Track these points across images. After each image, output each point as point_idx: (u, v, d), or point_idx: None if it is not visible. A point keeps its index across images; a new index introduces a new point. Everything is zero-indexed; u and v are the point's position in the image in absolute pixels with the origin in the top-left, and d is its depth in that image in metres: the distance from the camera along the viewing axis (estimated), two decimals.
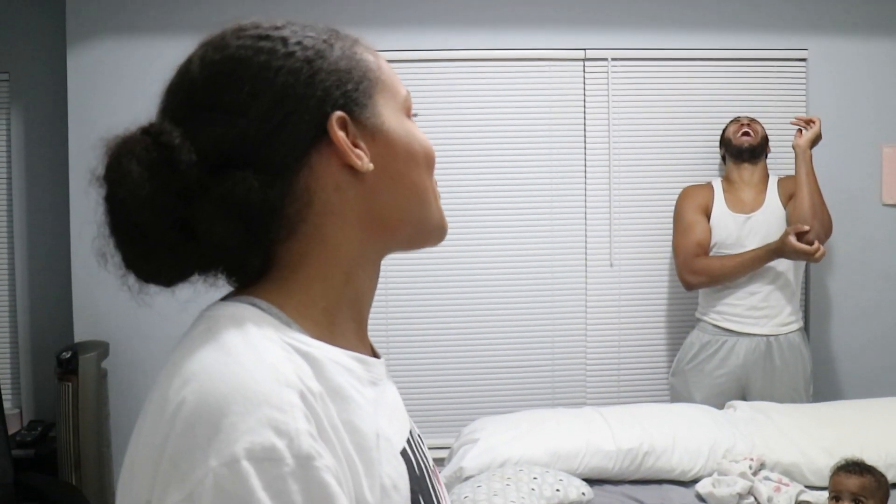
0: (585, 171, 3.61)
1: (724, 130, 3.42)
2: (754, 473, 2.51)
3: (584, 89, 3.61)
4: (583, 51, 3.60)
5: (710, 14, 3.60)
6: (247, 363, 0.64)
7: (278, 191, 0.72)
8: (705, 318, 3.27)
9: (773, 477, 2.51)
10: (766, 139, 3.34)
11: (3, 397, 3.04)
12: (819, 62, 3.64)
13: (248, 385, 0.61)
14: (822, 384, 3.68)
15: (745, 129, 3.30)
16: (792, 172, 3.27)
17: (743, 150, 3.28)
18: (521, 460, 2.54)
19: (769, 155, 3.41)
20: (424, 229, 0.83)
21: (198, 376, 0.63)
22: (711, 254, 3.24)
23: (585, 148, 3.61)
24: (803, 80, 3.66)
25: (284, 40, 0.75)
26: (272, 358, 0.65)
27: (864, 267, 3.69)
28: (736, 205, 3.28)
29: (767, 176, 3.36)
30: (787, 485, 2.47)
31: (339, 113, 0.74)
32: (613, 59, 3.60)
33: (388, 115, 0.78)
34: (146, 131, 0.71)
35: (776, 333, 3.17)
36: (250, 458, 0.58)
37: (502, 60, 3.59)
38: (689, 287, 3.28)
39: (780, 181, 3.33)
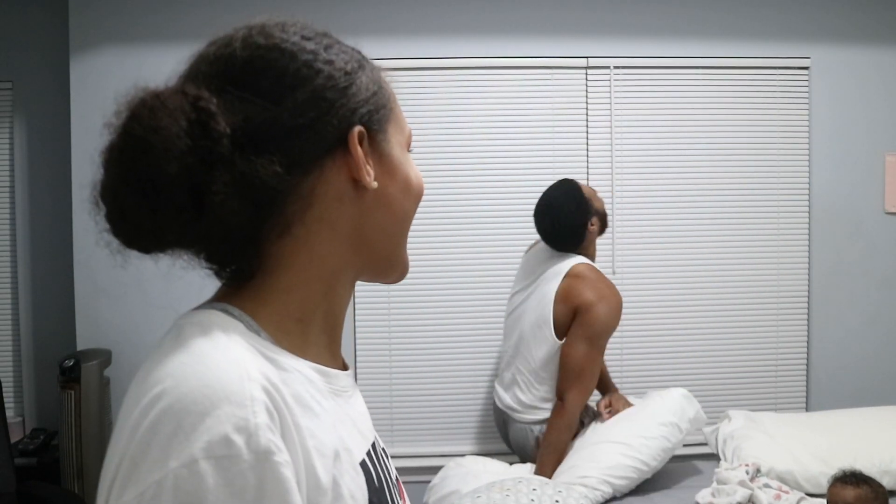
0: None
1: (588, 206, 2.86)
2: (751, 479, 2.50)
3: (587, 97, 3.62)
4: (585, 59, 3.60)
5: (713, 23, 3.60)
6: (209, 362, 0.64)
7: (287, 185, 0.73)
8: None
9: (774, 485, 2.50)
10: None
11: (6, 406, 3.04)
12: (821, 70, 3.64)
13: (209, 384, 0.62)
14: (824, 393, 3.67)
15: None
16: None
17: None
18: None
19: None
20: (395, 261, 0.86)
21: (163, 380, 0.63)
22: None
23: (588, 155, 3.62)
24: (806, 89, 3.65)
25: (328, 47, 0.79)
26: (236, 355, 0.66)
27: (866, 275, 3.69)
28: None
29: None
30: (786, 492, 2.46)
31: (360, 127, 0.78)
32: (616, 68, 3.61)
33: (395, 145, 0.83)
34: (180, 92, 0.70)
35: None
36: (208, 457, 0.59)
37: (505, 68, 3.60)
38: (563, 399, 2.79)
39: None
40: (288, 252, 0.76)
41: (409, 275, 0.88)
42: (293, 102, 0.74)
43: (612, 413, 2.83)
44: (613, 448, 2.62)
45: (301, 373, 0.72)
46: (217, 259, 0.77)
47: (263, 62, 0.75)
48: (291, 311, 0.76)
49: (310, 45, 0.77)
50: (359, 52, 0.83)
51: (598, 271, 2.86)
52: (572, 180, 2.91)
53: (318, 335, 0.79)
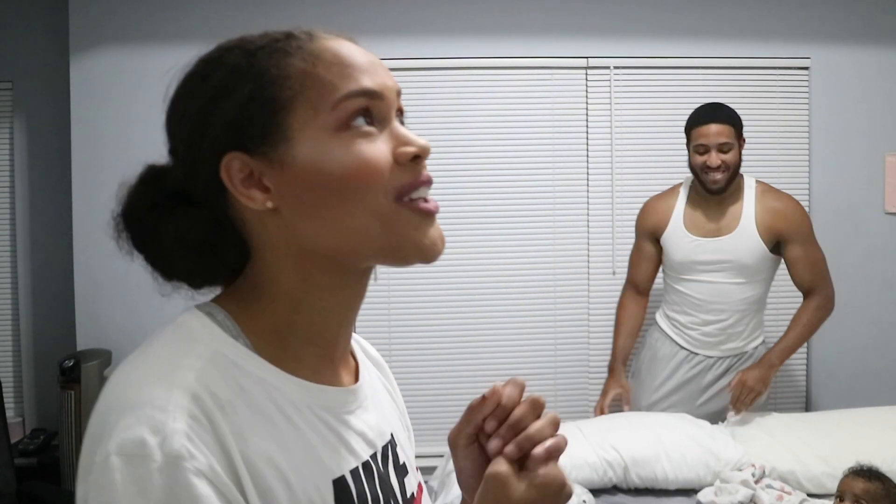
0: (588, 179, 3.61)
1: (689, 130, 2.92)
2: (756, 481, 2.50)
3: (587, 97, 3.61)
4: (585, 59, 3.60)
5: (713, 22, 3.60)
6: (152, 367, 0.68)
7: (209, 225, 0.75)
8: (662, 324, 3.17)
9: (776, 485, 2.50)
10: (738, 166, 2.87)
11: (6, 406, 3.04)
12: (821, 71, 3.64)
13: (140, 386, 0.65)
14: (824, 394, 3.67)
15: (716, 173, 2.81)
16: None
17: (712, 191, 2.87)
18: None
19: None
20: (378, 255, 0.75)
21: (113, 378, 0.68)
22: (664, 272, 3.11)
23: (588, 156, 3.62)
24: (806, 89, 3.65)
25: (212, 61, 0.74)
26: (178, 362, 0.68)
27: (866, 276, 3.68)
28: (697, 226, 2.95)
29: (741, 191, 2.93)
30: (789, 493, 2.46)
31: (230, 155, 0.72)
32: (616, 68, 3.61)
33: (301, 141, 0.71)
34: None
35: (728, 356, 3.04)
36: (120, 453, 0.61)
37: (505, 69, 3.59)
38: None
39: (760, 209, 2.90)
40: (257, 271, 0.76)
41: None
42: (180, 148, 0.75)
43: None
44: (658, 452, 2.61)
45: (271, 384, 0.72)
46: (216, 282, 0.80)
47: (169, 105, 0.77)
48: (265, 322, 0.76)
49: (198, 69, 0.75)
50: (262, 40, 0.74)
51: (671, 188, 3.10)
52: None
53: (303, 347, 0.77)
